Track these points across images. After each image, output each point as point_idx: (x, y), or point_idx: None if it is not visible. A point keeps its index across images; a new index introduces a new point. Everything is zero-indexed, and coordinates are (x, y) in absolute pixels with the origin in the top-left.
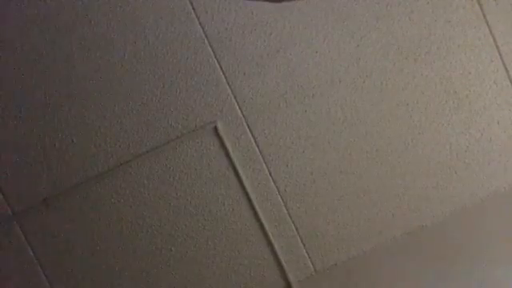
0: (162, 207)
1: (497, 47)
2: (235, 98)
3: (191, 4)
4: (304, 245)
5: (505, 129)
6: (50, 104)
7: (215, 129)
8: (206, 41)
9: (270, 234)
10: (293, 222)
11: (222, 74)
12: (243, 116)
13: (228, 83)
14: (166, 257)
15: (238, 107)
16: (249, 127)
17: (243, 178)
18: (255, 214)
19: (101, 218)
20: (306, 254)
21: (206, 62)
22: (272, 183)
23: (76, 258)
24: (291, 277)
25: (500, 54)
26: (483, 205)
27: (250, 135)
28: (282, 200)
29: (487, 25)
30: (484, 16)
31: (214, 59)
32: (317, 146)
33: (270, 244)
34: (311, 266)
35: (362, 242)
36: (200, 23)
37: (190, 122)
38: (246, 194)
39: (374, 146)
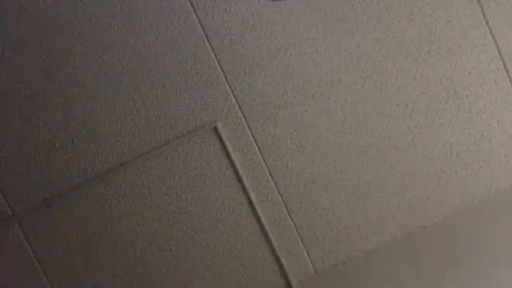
0: (162, 207)
1: (497, 47)
2: (235, 98)
3: (191, 4)
4: (304, 245)
5: (505, 129)
6: (50, 104)
7: (215, 129)
8: (206, 41)
9: (270, 234)
10: (293, 222)
11: (222, 73)
12: (243, 116)
13: (228, 83)
14: (166, 257)
15: (238, 107)
16: (249, 127)
17: (243, 178)
18: (255, 214)
19: (101, 218)
20: (305, 254)
21: (206, 62)
22: (272, 183)
23: (76, 258)
24: (291, 277)
25: (500, 54)
26: (483, 205)
27: (250, 135)
28: (282, 200)
29: (487, 25)
30: (484, 16)
31: (214, 59)
32: (317, 146)
33: (269, 244)
34: (311, 266)
35: (362, 242)
36: (200, 23)
37: (190, 122)
38: (246, 194)
39: (374, 145)
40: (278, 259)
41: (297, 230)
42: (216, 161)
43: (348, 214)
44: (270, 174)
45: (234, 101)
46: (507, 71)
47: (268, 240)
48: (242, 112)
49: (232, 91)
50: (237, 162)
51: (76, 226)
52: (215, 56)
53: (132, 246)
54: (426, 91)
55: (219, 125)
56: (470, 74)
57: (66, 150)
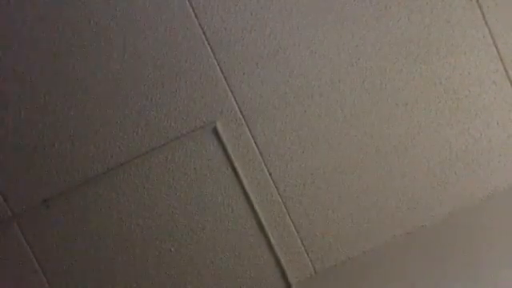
0: (162, 207)
1: (497, 47)
2: (235, 98)
3: (191, 4)
4: (304, 245)
5: (504, 129)
6: (50, 104)
7: (215, 129)
8: (205, 41)
9: (269, 234)
10: (293, 222)
11: (221, 73)
12: (243, 116)
13: (227, 83)
14: (166, 257)
15: (237, 107)
16: (248, 127)
17: (243, 178)
18: (255, 214)
19: (101, 218)
20: (305, 255)
21: (205, 62)
22: (272, 183)
23: (76, 258)
24: (291, 277)
25: (500, 54)
26: (483, 205)
27: (249, 135)
28: (282, 200)
29: (487, 25)
30: (484, 16)
31: (214, 59)
32: (317, 146)
33: (269, 244)
34: (311, 266)
35: (362, 242)
36: (199, 23)
37: (190, 122)
38: (246, 194)
39: (374, 145)
40: (277, 259)
41: (296, 230)
42: (215, 161)
43: (348, 214)
44: (270, 174)
45: (233, 101)
46: (506, 71)
47: (268, 240)
48: (241, 112)
49: (231, 91)
50: (236, 162)
51: (76, 226)
52: (214, 56)
53: (132, 246)
54: (425, 91)
55: (218, 125)
56: (469, 74)
57: (65, 151)
